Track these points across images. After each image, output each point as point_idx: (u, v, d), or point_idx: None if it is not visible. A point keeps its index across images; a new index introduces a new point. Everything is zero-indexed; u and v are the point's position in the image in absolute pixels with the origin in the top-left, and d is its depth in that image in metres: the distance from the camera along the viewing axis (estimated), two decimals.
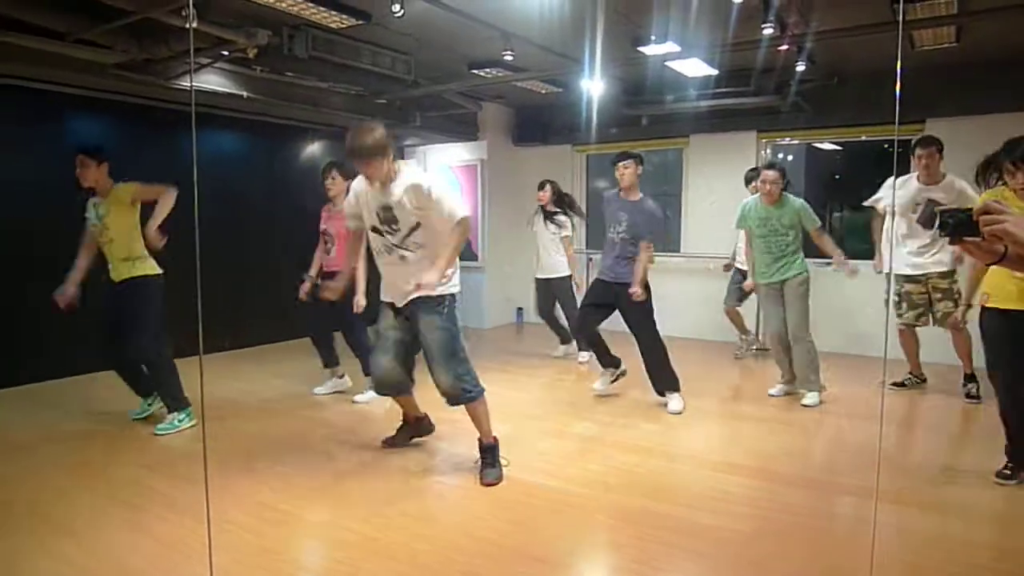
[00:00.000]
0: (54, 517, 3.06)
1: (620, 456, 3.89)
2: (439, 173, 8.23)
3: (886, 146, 7.03)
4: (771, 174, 4.88)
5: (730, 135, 7.22)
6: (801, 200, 4.99)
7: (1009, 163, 3.21)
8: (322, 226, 4.98)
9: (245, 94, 5.70)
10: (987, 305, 3.34)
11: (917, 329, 5.14)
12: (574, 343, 6.51)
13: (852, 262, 5.01)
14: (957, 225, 1.37)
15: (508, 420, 4.55)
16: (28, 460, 3.81)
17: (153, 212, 4.21)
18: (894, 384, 5.32)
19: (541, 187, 6.40)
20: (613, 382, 5.15)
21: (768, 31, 4.40)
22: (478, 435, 3.60)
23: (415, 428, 4.05)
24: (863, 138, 6.97)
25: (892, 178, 5.26)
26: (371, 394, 4.81)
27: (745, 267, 6.12)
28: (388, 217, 3.42)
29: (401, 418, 4.03)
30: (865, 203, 5.24)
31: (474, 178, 8.36)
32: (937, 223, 1.40)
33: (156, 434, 4.21)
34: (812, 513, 3.16)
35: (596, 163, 8.69)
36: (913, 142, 5.03)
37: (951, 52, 5.43)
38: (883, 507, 3.16)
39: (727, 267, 6.51)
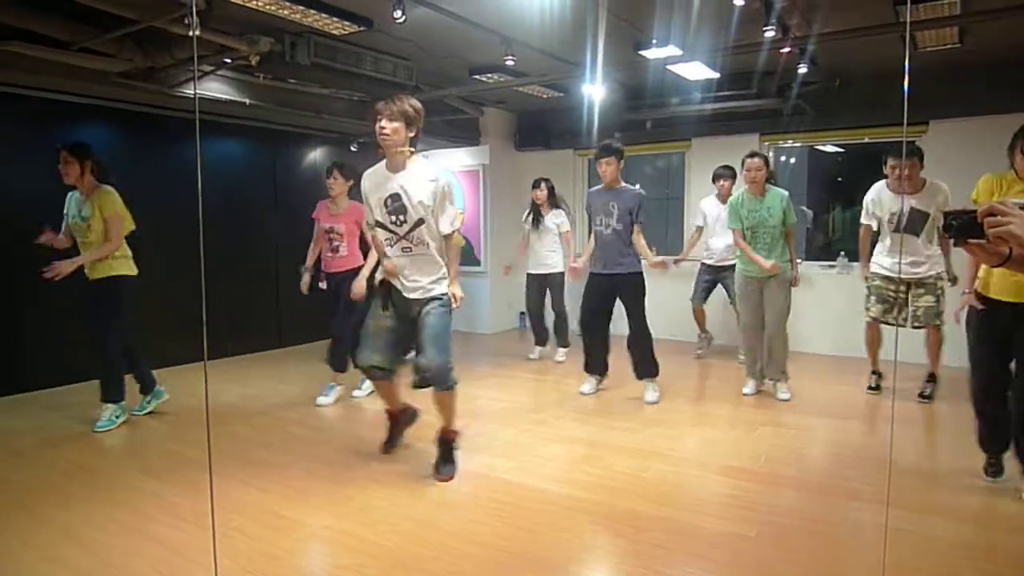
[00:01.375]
0: (58, 522, 3.06)
1: (624, 460, 3.88)
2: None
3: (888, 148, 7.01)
4: (755, 162, 4.91)
5: (732, 138, 7.21)
6: (784, 192, 5.02)
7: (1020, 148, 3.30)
8: (326, 224, 4.97)
9: (248, 101, 5.72)
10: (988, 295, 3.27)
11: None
12: (550, 345, 6.68)
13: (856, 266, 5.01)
14: (961, 227, 1.36)
15: (511, 425, 4.55)
16: (31, 466, 3.81)
17: (79, 257, 4.27)
18: (869, 388, 5.28)
19: (536, 185, 6.48)
20: (599, 385, 5.35)
21: (770, 34, 4.40)
22: (439, 429, 3.67)
23: (403, 420, 4.05)
24: (865, 140, 6.96)
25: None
26: (368, 384, 4.92)
27: (712, 262, 6.32)
28: (396, 207, 3.42)
29: (386, 418, 4.03)
30: (863, 221, 5.10)
31: (476, 183, 8.37)
32: (941, 225, 1.40)
33: (95, 431, 4.29)
34: (817, 517, 3.15)
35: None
36: (886, 151, 4.97)
37: (954, 53, 5.42)
38: (892, 512, 3.14)
39: (677, 262, 6.57)
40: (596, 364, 5.27)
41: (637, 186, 5.13)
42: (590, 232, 5.13)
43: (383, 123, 3.35)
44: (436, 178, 3.44)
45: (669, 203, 8.32)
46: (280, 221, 7.22)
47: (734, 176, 6.27)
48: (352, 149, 7.80)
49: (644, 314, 4.99)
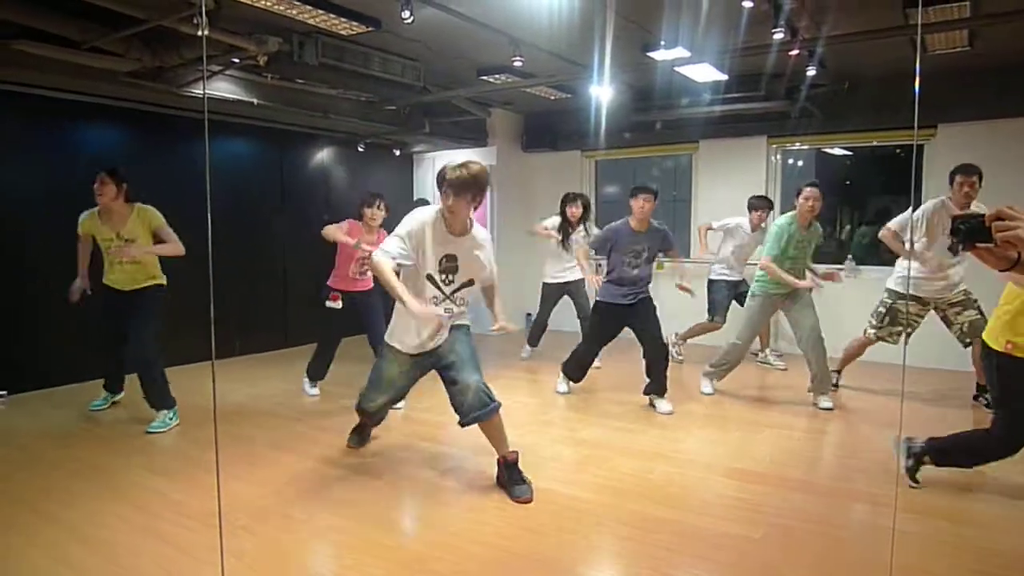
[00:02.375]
0: (65, 520, 3.07)
1: (630, 462, 3.87)
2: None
3: (898, 151, 7.00)
4: (815, 192, 4.79)
5: (740, 140, 7.20)
6: (819, 226, 5.06)
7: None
8: (363, 247, 4.85)
9: (255, 101, 5.74)
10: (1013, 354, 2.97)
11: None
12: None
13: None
14: (970, 231, 1.36)
15: (517, 426, 4.54)
16: (38, 464, 3.83)
17: (156, 246, 4.49)
18: (834, 385, 5.36)
19: (573, 201, 6.18)
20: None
21: (779, 36, 4.39)
22: (497, 456, 3.47)
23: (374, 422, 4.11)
24: (874, 143, 6.94)
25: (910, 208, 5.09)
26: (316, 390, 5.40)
27: (733, 279, 6.20)
28: (450, 267, 3.37)
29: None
30: (921, 238, 4.74)
31: None
32: (949, 229, 1.40)
33: (149, 432, 4.33)
34: (823, 520, 3.13)
35: (605, 169, 8.68)
36: (958, 170, 4.60)
37: (963, 56, 5.40)
38: (900, 514, 3.13)
39: (683, 288, 5.89)
40: (580, 374, 5.35)
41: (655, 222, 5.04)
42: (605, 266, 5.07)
43: (451, 202, 3.23)
44: (486, 241, 3.50)
45: (676, 205, 8.29)
46: (287, 221, 7.23)
47: (770, 206, 6.20)
48: (359, 149, 7.82)
49: (660, 331, 4.97)
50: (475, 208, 3.35)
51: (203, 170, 6.09)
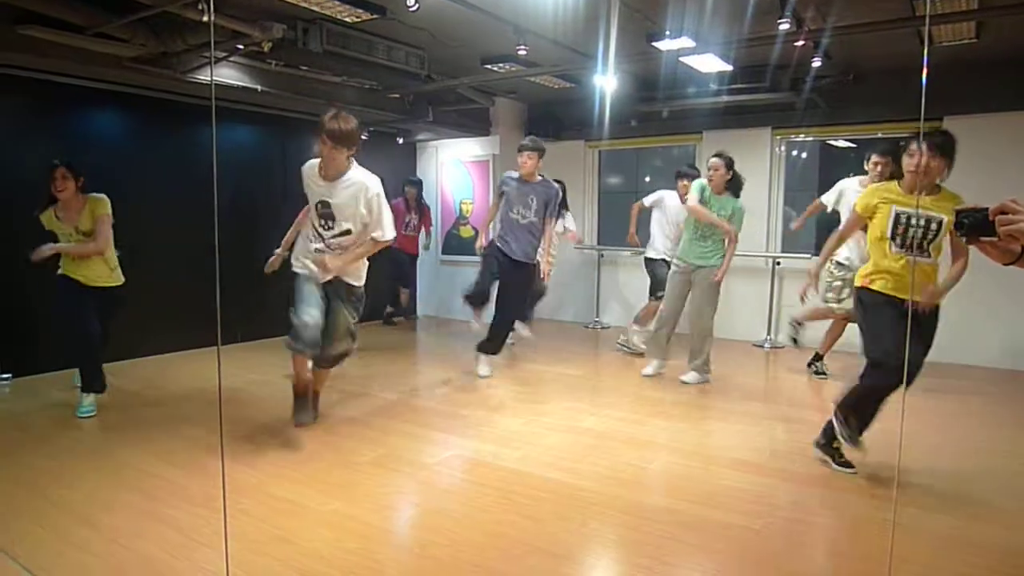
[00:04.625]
0: (70, 504, 3.09)
1: (629, 451, 3.89)
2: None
3: (902, 144, 6.97)
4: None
5: (745, 131, 7.18)
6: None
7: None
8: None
9: (259, 88, 5.73)
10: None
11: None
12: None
13: None
14: (973, 225, 1.37)
15: (518, 414, 4.57)
16: (43, 447, 3.85)
17: (76, 245, 4.37)
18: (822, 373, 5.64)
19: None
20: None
21: (784, 26, 4.38)
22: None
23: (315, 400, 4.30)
24: (879, 135, 6.91)
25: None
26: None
27: (668, 254, 6.19)
28: (326, 213, 3.66)
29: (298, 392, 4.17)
30: None
31: (486, 173, 8.37)
32: (954, 223, 1.40)
33: (80, 417, 4.35)
34: (823, 511, 3.16)
35: (609, 159, 8.67)
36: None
37: (971, 48, 5.37)
38: (898, 508, 3.15)
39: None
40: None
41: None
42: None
43: (333, 157, 3.67)
44: (370, 186, 3.79)
45: None
46: (291, 207, 7.22)
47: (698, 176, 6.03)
48: (363, 137, 7.79)
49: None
50: (350, 156, 3.67)
51: (206, 156, 6.10)
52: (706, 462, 3.76)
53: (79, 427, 4.24)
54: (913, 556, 2.70)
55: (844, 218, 4.62)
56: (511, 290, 5.43)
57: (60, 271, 4.42)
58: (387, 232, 3.86)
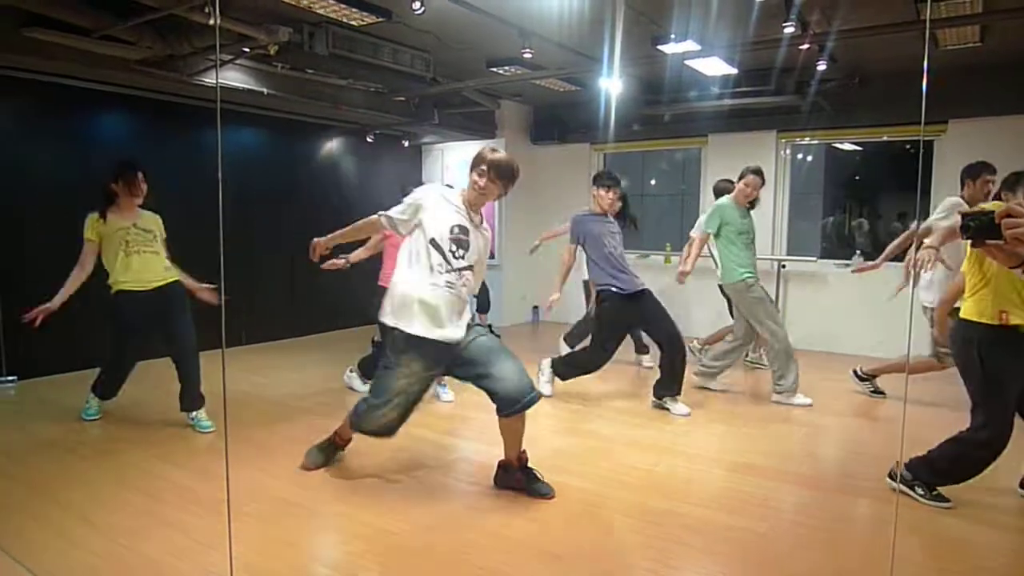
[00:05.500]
0: (74, 505, 3.10)
1: (635, 455, 3.88)
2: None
3: (907, 147, 6.96)
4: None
5: (749, 134, 7.18)
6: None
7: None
8: None
9: (265, 90, 5.75)
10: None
11: None
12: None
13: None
14: (979, 228, 1.36)
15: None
16: (48, 449, 3.86)
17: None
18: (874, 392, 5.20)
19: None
20: None
21: (789, 30, 4.38)
22: (509, 455, 3.36)
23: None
24: (884, 139, 6.91)
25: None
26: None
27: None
28: (461, 240, 3.18)
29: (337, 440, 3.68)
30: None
31: None
32: (959, 226, 1.40)
33: (85, 419, 4.34)
34: (827, 514, 3.14)
35: (615, 162, 8.67)
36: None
37: (975, 52, 5.37)
38: (902, 511, 3.13)
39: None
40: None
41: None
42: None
43: (483, 183, 3.16)
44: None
45: (685, 199, 8.28)
46: (296, 211, 7.25)
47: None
48: (368, 140, 7.83)
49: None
50: (498, 198, 3.31)
51: (212, 159, 6.12)
52: (711, 465, 3.75)
53: (84, 429, 4.25)
54: (917, 559, 2.69)
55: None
56: (661, 313, 4.79)
57: (115, 287, 4.19)
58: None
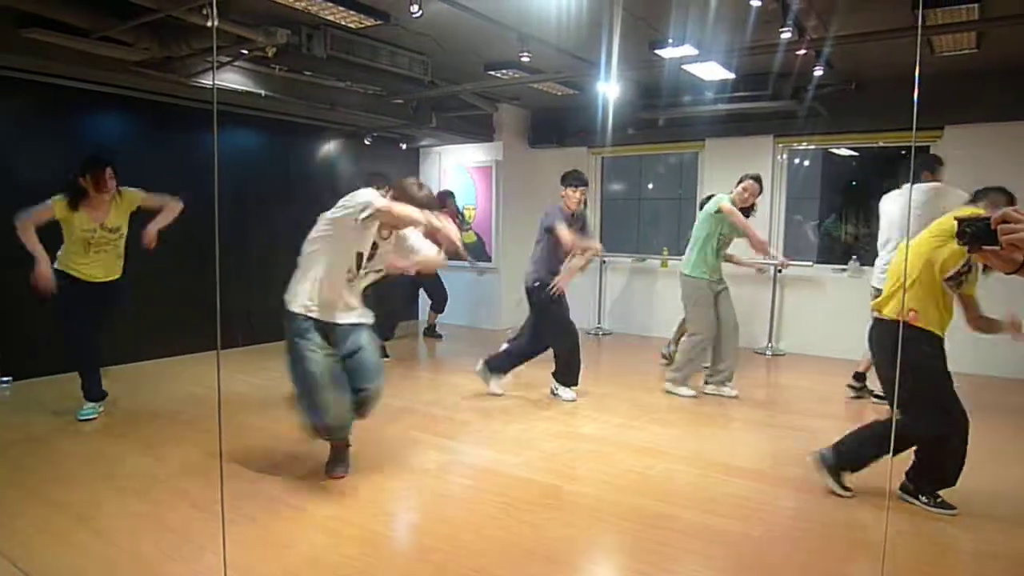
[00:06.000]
0: (71, 507, 3.10)
1: (629, 458, 3.88)
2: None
3: (903, 152, 6.97)
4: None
5: (746, 139, 7.20)
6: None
7: None
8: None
9: (263, 93, 5.75)
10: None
11: None
12: None
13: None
14: (976, 234, 1.37)
15: (517, 420, 4.57)
16: (43, 451, 3.86)
17: (156, 217, 4.40)
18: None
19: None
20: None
21: (786, 35, 4.39)
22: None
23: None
24: (880, 144, 6.92)
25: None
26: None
27: None
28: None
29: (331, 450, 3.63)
30: None
31: (489, 179, 8.38)
32: (956, 232, 1.40)
33: (80, 420, 4.34)
34: (820, 518, 3.14)
35: (612, 166, 8.68)
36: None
37: (971, 58, 5.38)
38: (895, 515, 3.14)
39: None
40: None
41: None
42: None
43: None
44: None
45: (682, 203, 8.29)
46: (293, 213, 7.23)
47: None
48: (366, 143, 7.83)
49: None
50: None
51: (209, 160, 6.11)
52: (706, 469, 3.76)
53: (79, 431, 4.24)
54: (908, 563, 2.69)
55: None
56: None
57: (57, 266, 4.21)
58: None
